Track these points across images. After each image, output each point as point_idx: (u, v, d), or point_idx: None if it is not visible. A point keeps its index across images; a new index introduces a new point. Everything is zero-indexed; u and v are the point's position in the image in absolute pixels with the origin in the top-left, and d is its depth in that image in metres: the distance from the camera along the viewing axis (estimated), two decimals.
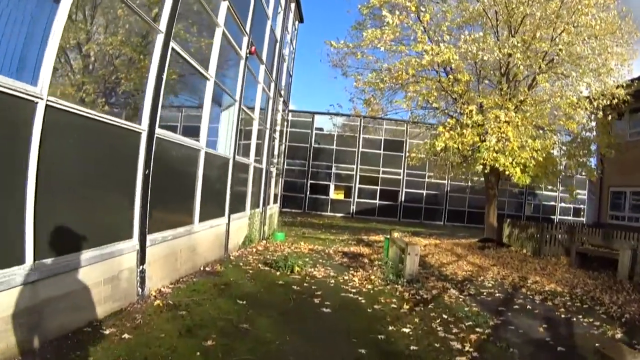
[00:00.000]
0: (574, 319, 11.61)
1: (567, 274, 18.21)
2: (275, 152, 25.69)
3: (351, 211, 54.76)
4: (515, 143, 21.03)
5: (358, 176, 55.48)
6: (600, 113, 22.00)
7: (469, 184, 50.23)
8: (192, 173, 12.48)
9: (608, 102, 21.82)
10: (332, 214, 54.35)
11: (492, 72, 24.85)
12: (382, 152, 55.37)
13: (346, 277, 14.90)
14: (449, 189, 55.58)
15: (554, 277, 17.58)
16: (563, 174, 28.20)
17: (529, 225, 25.85)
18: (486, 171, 22.52)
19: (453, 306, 11.99)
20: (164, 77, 9.83)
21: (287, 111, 29.66)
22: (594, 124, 22.47)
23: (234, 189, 16.40)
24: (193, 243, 12.83)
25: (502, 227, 28.72)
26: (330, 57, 26.00)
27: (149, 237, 9.93)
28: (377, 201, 55.19)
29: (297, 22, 29.95)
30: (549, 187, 53.21)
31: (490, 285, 15.62)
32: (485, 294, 14.11)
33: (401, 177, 55.34)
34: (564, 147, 25.49)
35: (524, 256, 23.37)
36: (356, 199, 55.11)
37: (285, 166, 49.56)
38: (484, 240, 27.81)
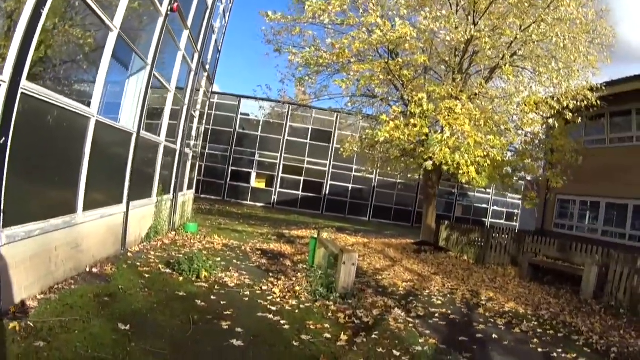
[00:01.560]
0: (554, 355, 9.73)
1: (520, 289, 16.86)
2: (194, 133, 22.62)
3: (272, 201, 52.78)
4: (474, 138, 18.71)
5: (282, 165, 52.73)
6: (570, 114, 20.17)
7: (398, 180, 48.92)
8: (76, 148, 9.30)
9: (576, 105, 20.20)
10: (252, 203, 51.94)
11: (448, 58, 22.70)
12: (308, 141, 53.13)
13: (265, 287, 11.92)
14: (376, 184, 54.08)
15: (508, 292, 16.01)
16: (516, 178, 26.22)
17: (471, 230, 24.58)
18: (429, 168, 20.17)
19: (403, 335, 9.58)
20: (44, 12, 6.90)
21: (211, 90, 26.65)
22: (557, 125, 20.28)
23: (137, 171, 13.17)
24: (76, 237, 9.67)
25: (439, 229, 26.88)
26: (265, 32, 23.00)
27: (5, 233, 6.98)
28: (300, 192, 53.25)
29: None
30: (482, 190, 52.51)
31: (439, 302, 13.46)
32: (437, 315, 11.78)
33: (327, 168, 53.51)
34: (521, 148, 23.27)
35: (466, 264, 21.96)
36: (278, 189, 53.00)
37: (207, 150, 48.83)
38: (421, 243, 25.68)
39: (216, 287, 11.18)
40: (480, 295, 14.91)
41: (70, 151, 9.18)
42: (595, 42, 21.64)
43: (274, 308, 10.06)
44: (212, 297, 10.19)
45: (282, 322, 9.21)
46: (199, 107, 22.80)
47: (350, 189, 53.97)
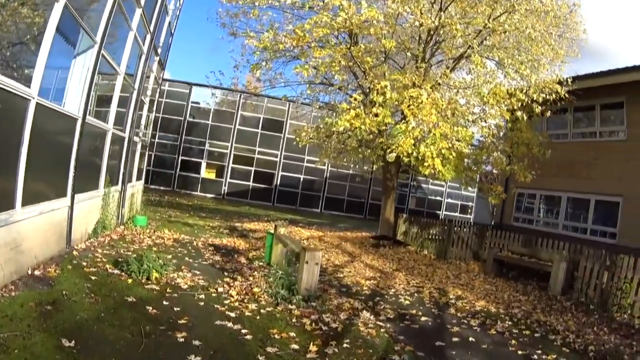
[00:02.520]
0: (535, 357, 9.46)
1: (487, 285, 16.65)
2: (143, 121, 21.47)
3: (222, 192, 51.47)
4: (443, 129, 17.89)
5: (232, 155, 51.33)
6: (538, 108, 19.65)
7: (351, 171, 48.16)
8: (14, 134, 8.17)
9: (544, 98, 19.70)
10: (202, 194, 50.62)
11: (412, 45, 22.00)
12: (260, 131, 51.89)
13: (220, 289, 10.90)
14: (328, 175, 53.20)
15: (475, 290, 15.67)
16: (479, 171, 25.49)
17: (431, 224, 24.20)
18: (392, 160, 19.41)
19: (376, 343, 8.85)
20: None
21: (162, 75, 25.51)
22: (524, 117, 19.77)
23: (83, 160, 12.03)
24: (15, 237, 8.55)
25: (397, 223, 26.30)
26: (220, 14, 21.82)
27: None
28: (250, 183, 51.97)
29: None
30: (436, 182, 52.42)
31: (407, 302, 12.88)
32: (408, 318, 11.14)
33: (278, 159, 52.33)
34: (488, 140, 22.55)
35: (428, 259, 21.52)
36: (228, 180, 51.62)
37: (157, 140, 47.56)
38: (379, 237, 25.04)
39: (168, 289, 10.12)
40: (448, 294, 14.45)
41: (6, 138, 8.06)
42: (565, 36, 21.38)
43: (232, 314, 9.11)
44: (165, 303, 9.16)
45: (243, 331, 8.27)
46: (149, 93, 21.63)
47: (302, 180, 52.97)
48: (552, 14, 19.50)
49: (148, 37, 17.66)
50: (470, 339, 9.97)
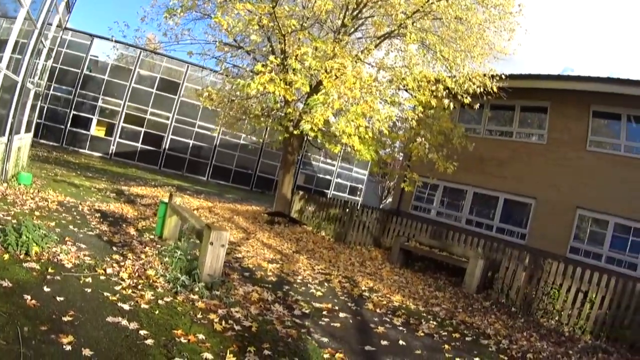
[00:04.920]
0: None
1: (395, 276, 16.27)
2: (40, 68, 19.74)
3: (110, 152, 49.46)
4: (368, 105, 16.99)
5: (124, 114, 49.25)
6: (467, 99, 19.49)
7: (241, 141, 47.54)
8: None
9: (474, 90, 19.37)
10: (90, 152, 48.50)
11: (338, 15, 21.09)
12: (154, 91, 50.03)
13: (110, 270, 9.25)
14: (218, 142, 52.33)
15: (384, 281, 15.20)
16: (389, 156, 24.97)
17: (330, 204, 23.59)
18: (307, 132, 18.34)
19: (301, 348, 7.84)
20: None
21: (68, 19, 23.68)
22: (452, 106, 19.46)
23: None
24: None
25: (292, 199, 25.58)
26: None
27: None
28: (139, 144, 50.30)
29: None
30: (328, 160, 52.03)
31: (319, 293, 11.93)
32: (326, 314, 10.17)
33: (169, 121, 50.91)
34: (412, 124, 21.80)
35: (327, 242, 20.99)
36: (118, 139, 49.58)
37: (51, 91, 45.52)
38: (274, 213, 23.96)
39: (50, 269, 8.50)
40: (359, 284, 13.92)
41: None
42: (502, 34, 20.87)
43: (126, 306, 7.65)
44: (46, 289, 7.56)
45: (142, 332, 6.83)
46: (50, 36, 19.86)
47: (191, 145, 51.91)
48: (500, 8, 19.36)
49: None
50: (401, 342, 9.27)
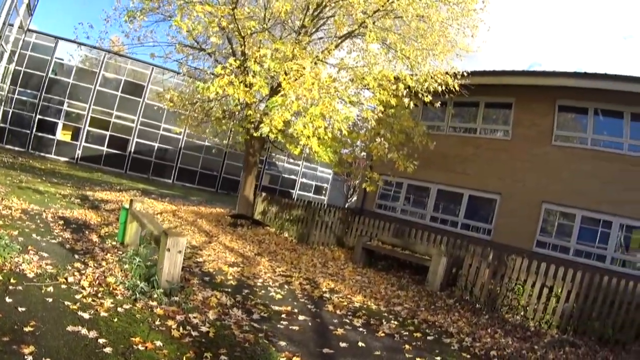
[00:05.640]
0: None
1: (358, 276, 16.07)
2: (1, 72, 19.56)
3: (76, 156, 49.13)
4: (325, 107, 16.87)
5: (89, 117, 48.88)
6: (428, 97, 19.21)
7: (206, 143, 47.95)
8: None
9: (435, 88, 19.35)
10: (56, 157, 48.03)
11: (299, 15, 20.98)
12: (119, 94, 49.82)
13: (71, 279, 9.15)
14: (183, 144, 52.64)
15: (346, 281, 15.08)
16: (353, 157, 24.75)
17: (292, 205, 23.59)
18: (265, 134, 18.10)
19: (258, 352, 7.78)
20: None
21: (29, 22, 23.56)
22: (411, 105, 19.56)
23: None
24: None
25: (255, 201, 25.43)
26: None
27: None
28: (105, 148, 50.11)
29: None
30: (292, 160, 52.20)
31: (279, 296, 11.84)
32: (284, 317, 10.09)
33: (135, 124, 50.83)
34: (372, 124, 21.80)
35: (289, 243, 20.69)
36: (83, 143, 49.25)
37: (15, 95, 44.86)
38: (237, 216, 23.86)
39: (12, 279, 8.44)
40: (320, 285, 13.76)
41: None
42: (465, 31, 20.61)
43: (86, 315, 7.60)
44: (8, 300, 7.57)
45: (100, 341, 6.79)
46: (12, 39, 19.68)
47: (156, 148, 51.92)
48: (462, 5, 19.14)
49: None
50: (360, 343, 9.18)
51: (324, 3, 18.91)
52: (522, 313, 13.44)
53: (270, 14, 18.82)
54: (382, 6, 17.29)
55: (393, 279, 16.28)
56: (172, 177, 52.48)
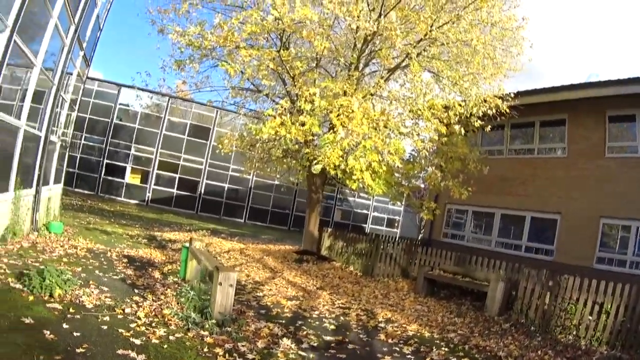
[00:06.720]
0: None
1: (418, 306, 15.89)
2: (63, 120, 20.28)
3: (146, 199, 50.18)
4: (375, 141, 17.32)
5: (157, 161, 50.13)
6: (478, 122, 19.43)
7: (276, 181, 48.01)
8: None
9: (485, 112, 19.45)
10: (126, 199, 49.19)
11: (345, 52, 21.33)
12: (186, 137, 50.99)
13: (128, 310, 9.61)
14: (253, 184, 52.96)
15: (406, 311, 14.87)
16: (410, 188, 24.53)
17: (358, 239, 23.37)
18: (317, 171, 18.82)
19: None
20: None
21: (87, 72, 24.24)
22: (462, 131, 19.84)
23: None
24: None
25: (321, 237, 25.65)
26: (150, 10, 20.56)
27: None
28: (175, 190, 51.06)
29: None
30: (362, 195, 52.17)
31: (332, 326, 11.93)
32: (334, 345, 10.21)
33: (203, 167, 51.66)
34: (424, 154, 21.89)
35: (354, 276, 20.70)
36: (153, 186, 50.45)
37: (82, 141, 46.55)
38: (303, 252, 24.23)
39: (71, 309, 8.85)
40: (377, 316, 13.63)
41: None
42: (510, 50, 20.80)
43: (137, 341, 7.93)
44: (65, 326, 7.94)
45: None
46: (71, 90, 20.44)
47: (226, 189, 52.52)
48: (500, 25, 19.28)
49: (72, 28, 16.51)
50: None
51: (367, 38, 19.22)
52: (574, 332, 13.31)
53: (315, 52, 19.07)
54: (425, 35, 17.63)
55: (453, 307, 16.12)
56: (243, 217, 52.75)
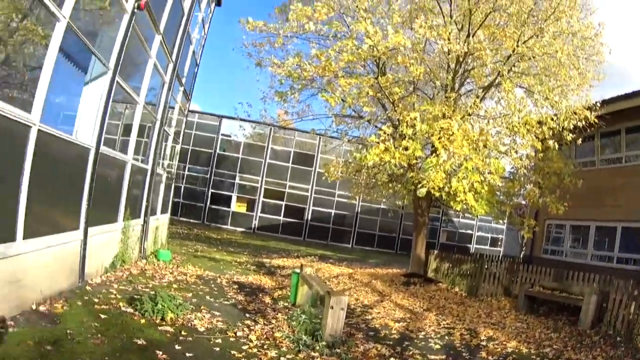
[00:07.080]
0: None
1: (518, 323, 15.71)
2: (168, 152, 20.95)
3: (253, 226, 51.06)
4: (475, 161, 17.47)
5: (263, 189, 51.20)
6: (570, 136, 19.14)
7: (382, 205, 47.87)
8: (11, 163, 7.68)
9: (575, 125, 19.15)
10: (232, 227, 50.22)
11: (440, 74, 21.54)
12: (290, 165, 51.72)
13: (240, 333, 10.07)
14: (359, 209, 52.93)
15: (506, 329, 14.84)
16: (511, 204, 24.30)
17: (462, 260, 23.24)
18: (422, 195, 18.87)
19: None
20: None
21: (188, 106, 24.98)
22: (556, 146, 19.52)
23: (98, 192, 11.43)
24: (14, 270, 8.02)
25: (428, 259, 25.63)
26: (245, 44, 21.18)
27: None
28: (281, 217, 51.70)
29: (213, 4, 24.99)
30: (466, 215, 51.69)
31: (437, 346, 12.02)
32: None
33: (309, 193, 52.22)
34: (522, 172, 21.82)
35: (459, 297, 20.65)
36: (259, 214, 51.36)
37: (186, 172, 47.98)
38: (410, 275, 24.28)
39: (183, 332, 9.30)
40: (480, 335, 13.71)
41: (4, 167, 7.52)
42: (592, 59, 20.58)
43: None
44: (177, 347, 8.37)
45: None
46: (174, 124, 21.17)
47: (333, 214, 52.71)
48: (580, 34, 19.13)
49: (170, 66, 17.24)
50: None
51: (459, 59, 19.36)
52: None
53: (411, 77, 19.12)
54: (513, 51, 17.77)
55: (550, 322, 15.96)
56: (350, 242, 52.78)
